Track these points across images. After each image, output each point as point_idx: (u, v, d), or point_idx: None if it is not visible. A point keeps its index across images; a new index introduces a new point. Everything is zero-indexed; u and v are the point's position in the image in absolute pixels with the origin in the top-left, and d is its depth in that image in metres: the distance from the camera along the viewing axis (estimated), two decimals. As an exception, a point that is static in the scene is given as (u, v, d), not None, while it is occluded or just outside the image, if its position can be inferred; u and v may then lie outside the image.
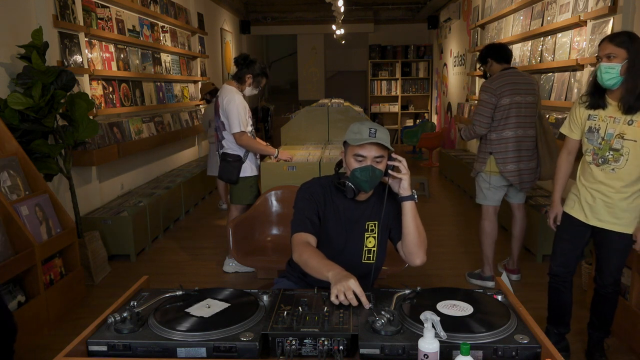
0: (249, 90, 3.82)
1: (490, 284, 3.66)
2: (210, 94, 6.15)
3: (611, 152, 2.35)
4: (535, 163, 3.54)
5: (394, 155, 1.91)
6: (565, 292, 2.64)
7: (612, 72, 2.27)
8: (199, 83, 7.42)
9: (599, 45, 2.34)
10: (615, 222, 2.40)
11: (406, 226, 1.91)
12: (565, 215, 2.57)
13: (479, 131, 3.49)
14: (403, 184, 1.88)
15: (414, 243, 1.91)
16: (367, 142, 1.82)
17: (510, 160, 3.47)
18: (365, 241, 1.99)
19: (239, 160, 3.77)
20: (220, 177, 3.89)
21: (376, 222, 1.99)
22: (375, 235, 1.99)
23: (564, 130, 2.58)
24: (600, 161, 2.39)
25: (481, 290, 1.70)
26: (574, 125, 2.51)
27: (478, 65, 3.78)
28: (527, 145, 3.49)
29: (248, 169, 3.80)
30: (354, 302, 1.55)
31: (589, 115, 2.42)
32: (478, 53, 7.13)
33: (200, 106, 7.37)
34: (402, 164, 1.88)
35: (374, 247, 2.00)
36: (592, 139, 2.41)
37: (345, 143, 1.94)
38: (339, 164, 2.04)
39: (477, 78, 7.13)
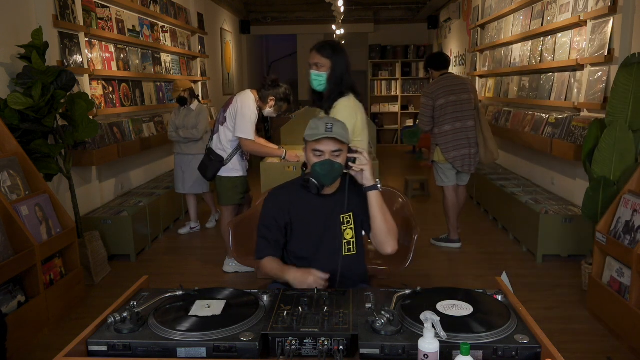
0: (268, 112, 3.81)
1: (458, 245, 4.50)
2: (191, 96, 4.90)
3: None
4: (476, 149, 4.29)
5: (353, 147, 1.96)
6: None
7: (320, 80, 2.59)
8: (176, 81, 5.31)
9: (310, 52, 2.60)
10: None
11: (373, 216, 1.96)
12: None
13: (423, 127, 4.35)
14: (365, 175, 1.94)
15: (382, 232, 1.96)
16: (323, 137, 1.88)
17: (451, 149, 4.21)
18: (343, 234, 2.03)
19: (220, 162, 3.78)
20: (199, 169, 3.93)
21: (350, 214, 2.04)
22: (352, 226, 2.04)
23: None
24: None
25: (481, 290, 1.70)
26: None
27: (425, 73, 4.37)
28: (466, 134, 4.21)
29: (232, 170, 3.79)
30: (325, 284, 1.86)
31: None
32: (478, 53, 7.17)
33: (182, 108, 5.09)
34: (363, 155, 1.93)
35: (352, 238, 2.04)
36: None
37: (305, 140, 1.99)
38: (305, 165, 2.09)
39: (477, 78, 7.13)
